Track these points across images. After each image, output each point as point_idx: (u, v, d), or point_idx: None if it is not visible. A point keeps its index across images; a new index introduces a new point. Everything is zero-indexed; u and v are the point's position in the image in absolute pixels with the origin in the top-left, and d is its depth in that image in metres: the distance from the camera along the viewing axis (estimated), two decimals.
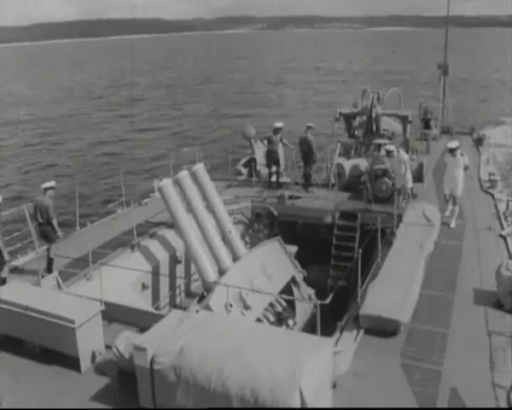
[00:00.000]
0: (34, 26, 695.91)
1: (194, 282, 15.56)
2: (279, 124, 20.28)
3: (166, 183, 13.61)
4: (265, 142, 20.56)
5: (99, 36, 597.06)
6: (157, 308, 13.89)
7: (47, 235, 13.25)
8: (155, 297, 14.14)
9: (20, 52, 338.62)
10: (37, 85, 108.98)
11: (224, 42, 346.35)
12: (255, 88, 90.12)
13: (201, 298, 13.12)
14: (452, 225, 15.58)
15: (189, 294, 15.45)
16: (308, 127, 19.82)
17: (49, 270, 13.13)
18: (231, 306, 12.00)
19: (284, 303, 13.95)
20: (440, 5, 35.61)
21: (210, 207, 14.49)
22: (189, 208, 13.91)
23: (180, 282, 15.08)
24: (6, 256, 12.56)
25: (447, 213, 15.99)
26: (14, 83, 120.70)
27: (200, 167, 14.81)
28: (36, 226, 13.40)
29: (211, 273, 13.12)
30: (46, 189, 13.25)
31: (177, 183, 13.95)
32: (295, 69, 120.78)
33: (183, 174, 14.08)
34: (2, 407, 8.28)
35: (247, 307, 12.38)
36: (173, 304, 14.89)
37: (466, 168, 16.05)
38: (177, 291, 15.13)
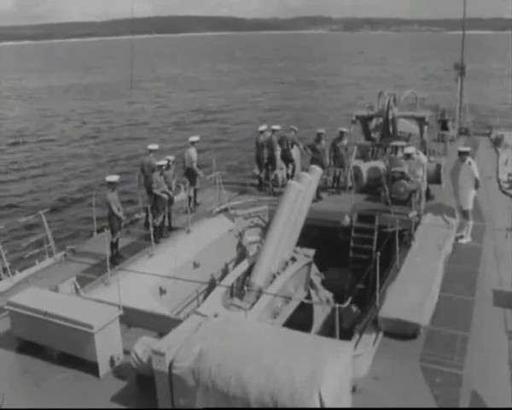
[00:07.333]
0: (113, 22, 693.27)
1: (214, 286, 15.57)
2: (292, 127, 20.27)
3: (297, 185, 14.16)
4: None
5: (176, 32, 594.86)
6: (175, 313, 13.90)
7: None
8: (173, 302, 14.13)
9: (110, 46, 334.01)
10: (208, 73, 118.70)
11: (307, 41, 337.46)
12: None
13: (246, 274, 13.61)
14: (463, 241, 14.58)
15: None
16: (341, 132, 19.82)
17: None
18: None
19: None
20: None
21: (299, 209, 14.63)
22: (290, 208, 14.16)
23: (198, 286, 15.07)
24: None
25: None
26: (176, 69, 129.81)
27: (315, 168, 15.41)
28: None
29: (260, 276, 13.26)
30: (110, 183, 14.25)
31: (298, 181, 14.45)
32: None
33: (307, 178, 14.57)
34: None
35: None
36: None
37: (477, 185, 14.69)
38: (195, 296, 15.11)
